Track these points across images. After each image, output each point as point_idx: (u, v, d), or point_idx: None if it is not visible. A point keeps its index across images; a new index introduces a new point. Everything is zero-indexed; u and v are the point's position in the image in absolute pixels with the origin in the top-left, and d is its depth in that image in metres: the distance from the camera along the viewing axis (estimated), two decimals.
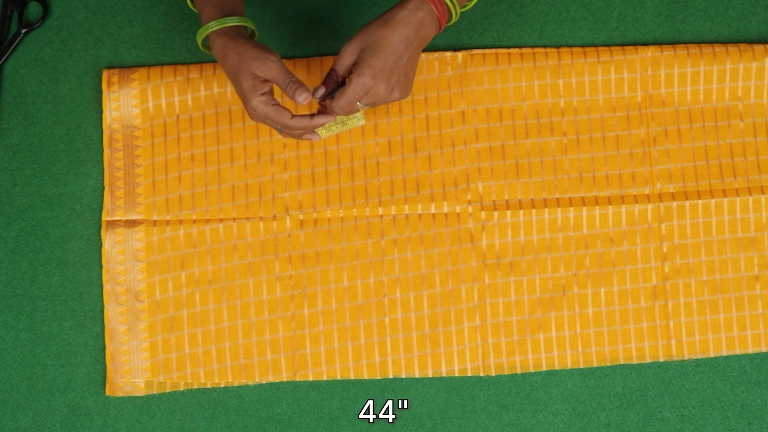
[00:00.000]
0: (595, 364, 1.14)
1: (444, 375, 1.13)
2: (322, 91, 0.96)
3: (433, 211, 1.15)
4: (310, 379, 1.13)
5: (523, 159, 1.15)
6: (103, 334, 1.13)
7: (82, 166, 1.15)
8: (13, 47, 1.15)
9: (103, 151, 1.15)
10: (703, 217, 1.15)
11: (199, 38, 0.98)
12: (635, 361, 1.14)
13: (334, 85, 0.96)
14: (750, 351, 1.15)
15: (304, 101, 0.95)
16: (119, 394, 1.12)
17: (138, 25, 1.16)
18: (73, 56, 1.16)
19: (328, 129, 1.00)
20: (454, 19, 1.00)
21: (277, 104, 0.95)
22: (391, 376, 1.13)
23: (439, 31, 0.99)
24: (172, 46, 1.16)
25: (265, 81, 0.95)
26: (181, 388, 1.13)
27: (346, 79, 0.96)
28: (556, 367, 1.14)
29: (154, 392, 1.12)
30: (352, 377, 1.13)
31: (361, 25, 1.17)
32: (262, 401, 1.14)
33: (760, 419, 1.15)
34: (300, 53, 1.17)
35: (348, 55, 0.96)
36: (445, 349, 1.14)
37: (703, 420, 1.15)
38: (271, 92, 0.96)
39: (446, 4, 0.97)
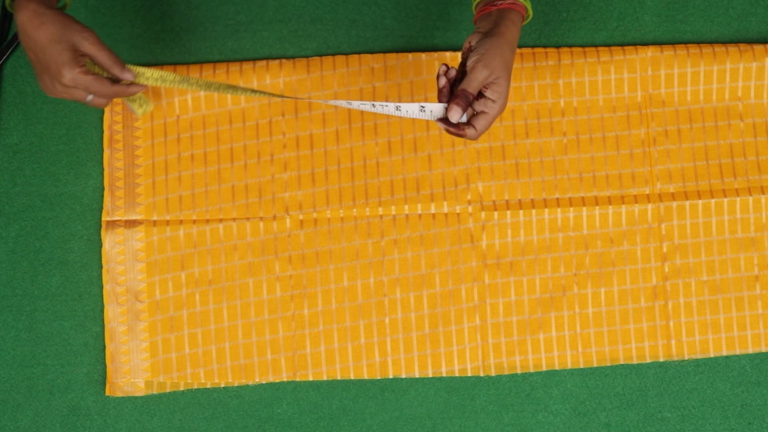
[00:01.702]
0: (595, 364, 1.14)
1: (444, 375, 1.13)
2: (460, 113, 0.94)
3: (433, 211, 1.14)
4: (310, 379, 1.13)
5: (523, 159, 1.15)
6: (103, 334, 1.13)
7: (82, 166, 1.15)
8: (13, 47, 1.15)
9: (103, 151, 1.15)
10: (703, 217, 1.15)
11: None
12: (635, 361, 1.14)
13: (467, 104, 0.95)
14: (750, 351, 1.15)
15: (132, 79, 0.96)
16: (119, 394, 1.12)
17: (138, 25, 1.16)
18: None
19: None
20: (526, 22, 1.02)
21: (95, 74, 0.95)
22: (391, 376, 1.13)
23: None
24: (172, 46, 1.16)
25: (83, 55, 0.94)
26: (181, 388, 1.13)
27: (484, 101, 0.95)
28: (556, 367, 1.14)
29: (154, 392, 1.12)
30: (352, 377, 1.13)
31: (359, 24, 1.17)
32: (262, 401, 1.14)
33: (760, 419, 1.15)
34: (300, 53, 1.17)
35: (483, 76, 0.94)
36: (445, 349, 1.14)
37: (703, 420, 1.15)
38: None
39: (527, 10, 0.99)
